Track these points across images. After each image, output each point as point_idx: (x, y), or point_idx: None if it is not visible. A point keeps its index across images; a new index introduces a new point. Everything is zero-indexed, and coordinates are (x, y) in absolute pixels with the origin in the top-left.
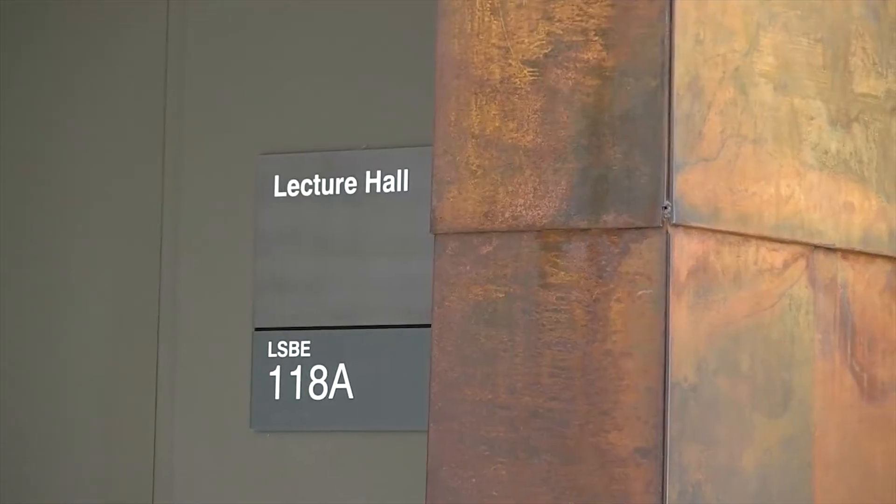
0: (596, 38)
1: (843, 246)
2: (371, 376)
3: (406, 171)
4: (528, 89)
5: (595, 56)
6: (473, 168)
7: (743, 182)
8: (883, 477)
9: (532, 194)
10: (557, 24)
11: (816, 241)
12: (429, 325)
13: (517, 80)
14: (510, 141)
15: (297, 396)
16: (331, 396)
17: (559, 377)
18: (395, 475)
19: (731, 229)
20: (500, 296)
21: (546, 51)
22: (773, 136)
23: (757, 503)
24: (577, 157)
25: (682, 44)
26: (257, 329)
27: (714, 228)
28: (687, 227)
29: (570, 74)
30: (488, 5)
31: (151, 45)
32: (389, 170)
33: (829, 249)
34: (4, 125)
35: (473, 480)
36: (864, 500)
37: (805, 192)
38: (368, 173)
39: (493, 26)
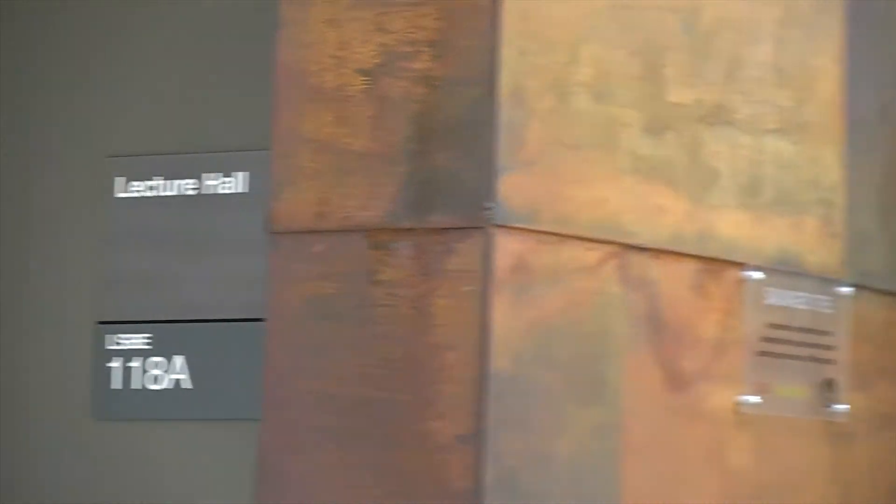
0: (425, 48)
1: (654, 246)
2: (209, 368)
3: (245, 174)
4: (361, 97)
5: (424, 66)
6: (308, 171)
7: (562, 186)
8: (691, 462)
9: (363, 196)
10: (389, 35)
11: (629, 241)
12: (264, 320)
13: (350, 88)
14: (343, 146)
15: (137, 386)
16: (169, 387)
17: (386, 368)
18: (231, 461)
19: (550, 230)
20: (332, 292)
21: (378, 60)
22: (590, 142)
23: (568, 487)
24: (406, 161)
25: (507, 55)
26: (99, 322)
27: (533, 229)
28: (508, 228)
29: (400, 83)
30: (325, 17)
31: None
32: (229, 172)
33: (641, 249)
34: None
35: (304, 466)
36: (672, 484)
37: (619, 195)
38: (208, 175)
39: (329, 37)
